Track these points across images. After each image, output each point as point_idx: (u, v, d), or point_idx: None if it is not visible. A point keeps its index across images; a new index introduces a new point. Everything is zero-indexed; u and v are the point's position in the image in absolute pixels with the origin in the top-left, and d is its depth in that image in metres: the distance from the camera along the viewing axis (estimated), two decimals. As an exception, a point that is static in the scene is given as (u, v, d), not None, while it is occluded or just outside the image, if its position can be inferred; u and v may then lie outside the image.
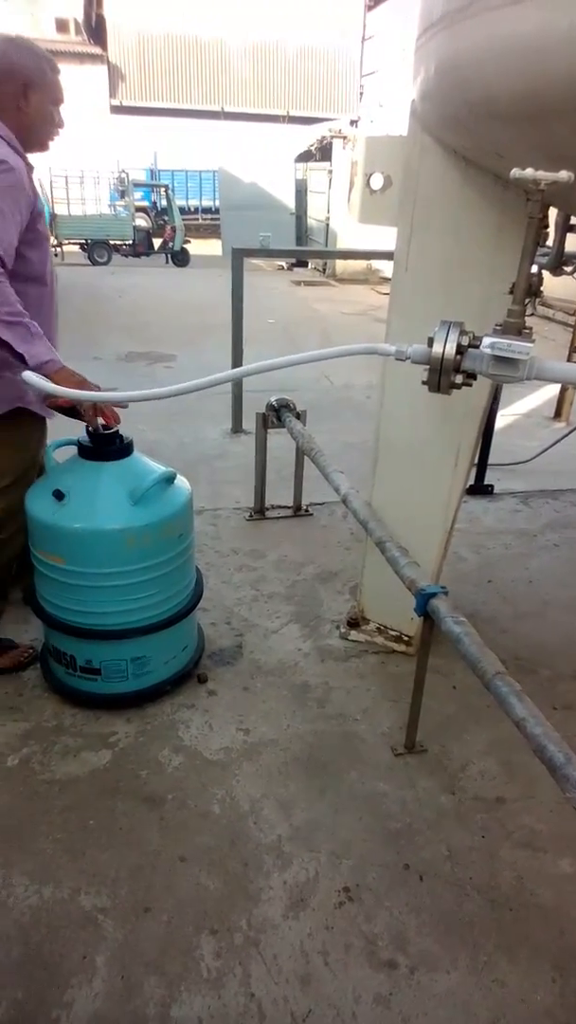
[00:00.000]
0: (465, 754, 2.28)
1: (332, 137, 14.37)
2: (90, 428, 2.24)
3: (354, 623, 2.84)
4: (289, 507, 3.88)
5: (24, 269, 2.11)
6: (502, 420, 4.88)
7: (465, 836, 1.98)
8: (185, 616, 2.45)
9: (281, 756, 2.25)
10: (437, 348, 1.67)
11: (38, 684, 2.52)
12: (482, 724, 2.38)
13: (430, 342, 1.69)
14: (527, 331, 1.63)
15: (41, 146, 2.25)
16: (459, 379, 1.71)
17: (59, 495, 2.16)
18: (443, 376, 1.69)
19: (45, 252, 2.26)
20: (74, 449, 2.31)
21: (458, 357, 1.66)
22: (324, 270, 14.77)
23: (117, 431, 2.29)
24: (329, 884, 1.84)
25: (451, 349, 1.66)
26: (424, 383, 1.73)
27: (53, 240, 14.74)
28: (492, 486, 4.21)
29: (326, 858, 1.91)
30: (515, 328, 1.61)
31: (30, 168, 2.17)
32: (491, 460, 4.20)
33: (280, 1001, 1.57)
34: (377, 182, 2.20)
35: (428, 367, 1.70)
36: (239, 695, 2.51)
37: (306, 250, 15.04)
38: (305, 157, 16.23)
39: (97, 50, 22.67)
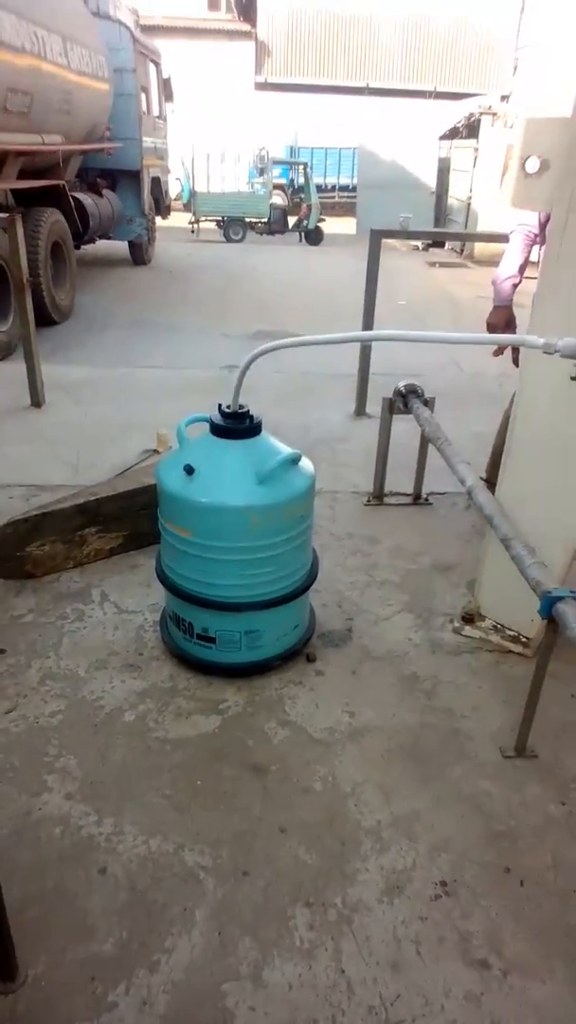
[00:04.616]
0: (578, 764, 2.20)
1: (481, 113, 13.86)
2: (223, 407, 2.31)
3: (469, 618, 2.79)
4: (409, 495, 3.84)
5: None
6: None
7: (573, 848, 1.92)
8: (299, 595, 2.49)
9: (385, 743, 2.25)
10: (590, 343, 1.60)
11: (157, 646, 2.64)
12: (598, 736, 2.29)
13: (581, 336, 1.62)
14: None
15: None
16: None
17: (189, 470, 2.24)
18: (593, 372, 1.61)
19: None
20: (206, 426, 2.38)
21: (612, 353, 1.59)
22: (462, 251, 14.35)
23: (247, 410, 2.35)
24: (426, 875, 1.84)
25: (605, 345, 1.58)
26: (574, 379, 1.66)
27: (191, 216, 15.14)
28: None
29: (424, 849, 1.91)
30: None
31: None
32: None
33: (369, 981, 1.59)
34: (533, 165, 2.11)
35: (577, 362, 1.63)
36: (346, 678, 2.53)
37: (447, 232, 14.67)
38: (450, 135, 15.74)
39: (246, 27, 22.82)
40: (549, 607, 1.86)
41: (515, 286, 3.28)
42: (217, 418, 2.34)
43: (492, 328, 3.36)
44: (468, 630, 2.77)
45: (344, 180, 22.14)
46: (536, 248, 3.12)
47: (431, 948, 1.67)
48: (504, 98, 18.15)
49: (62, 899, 1.74)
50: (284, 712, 2.36)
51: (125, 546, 3.20)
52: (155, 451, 4.20)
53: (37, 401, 4.95)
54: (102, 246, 11.06)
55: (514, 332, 3.25)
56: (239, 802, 2.03)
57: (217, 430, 2.34)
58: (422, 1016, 1.53)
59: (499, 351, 3.50)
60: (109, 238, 10.58)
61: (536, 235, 3.11)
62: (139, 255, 11.45)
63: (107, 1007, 1.52)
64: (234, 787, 2.07)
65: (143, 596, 2.92)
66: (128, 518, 3.15)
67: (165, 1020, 1.51)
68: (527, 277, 3.08)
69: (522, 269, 3.22)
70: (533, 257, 3.09)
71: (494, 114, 13.80)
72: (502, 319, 3.33)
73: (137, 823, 1.95)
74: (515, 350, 3.23)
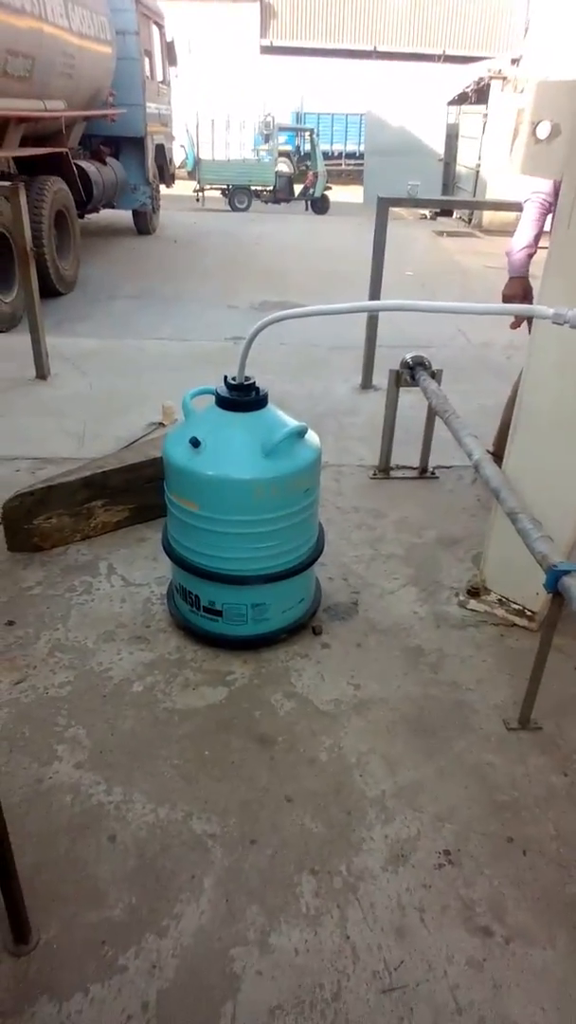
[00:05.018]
0: (581, 737, 2.22)
1: (491, 78, 13.52)
2: (228, 379, 2.29)
3: (474, 592, 2.79)
4: (415, 468, 3.83)
5: None
6: None
7: (575, 818, 1.94)
8: (305, 569, 2.50)
9: (390, 715, 2.27)
10: (601, 314, 1.57)
11: (164, 618, 2.66)
12: (602, 709, 2.30)
13: (593, 307, 1.59)
14: None
15: None
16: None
17: (195, 443, 2.24)
18: (603, 344, 1.59)
19: None
20: (211, 398, 2.37)
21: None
22: (470, 220, 14.14)
23: (253, 382, 2.33)
24: (430, 844, 1.86)
25: (617, 315, 1.56)
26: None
27: (195, 185, 14.91)
28: None
29: (429, 819, 1.93)
30: None
31: None
32: None
33: (374, 948, 1.62)
34: (544, 130, 2.06)
35: (587, 334, 1.61)
36: (352, 651, 2.55)
37: (455, 200, 14.42)
38: (459, 100, 15.40)
39: (252, -13, 22.29)
40: (555, 581, 1.86)
41: (530, 256, 3.23)
42: (223, 390, 2.33)
43: (508, 300, 3.31)
44: (473, 604, 2.77)
45: (351, 147, 21.75)
46: (550, 217, 3.06)
47: (435, 915, 1.70)
48: (515, 62, 17.66)
49: (73, 866, 1.78)
50: (290, 684, 2.38)
51: (132, 519, 3.21)
52: (161, 424, 4.19)
53: (42, 373, 4.93)
54: (106, 215, 10.93)
55: (530, 303, 3.20)
56: (246, 772, 2.05)
57: (223, 402, 2.33)
58: (425, 981, 1.56)
59: (516, 323, 3.45)
60: (113, 207, 10.44)
61: (551, 203, 3.05)
62: (144, 224, 11.31)
63: (118, 970, 1.56)
64: (241, 757, 2.10)
65: (150, 569, 2.93)
66: (134, 491, 3.15)
67: (174, 984, 1.54)
68: (542, 247, 3.04)
69: (537, 239, 3.17)
70: (548, 227, 3.04)
71: (504, 78, 13.45)
72: (519, 290, 3.28)
73: (146, 792, 1.98)
74: (531, 321, 3.20)
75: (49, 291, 7.06)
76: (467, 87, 14.98)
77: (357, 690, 2.37)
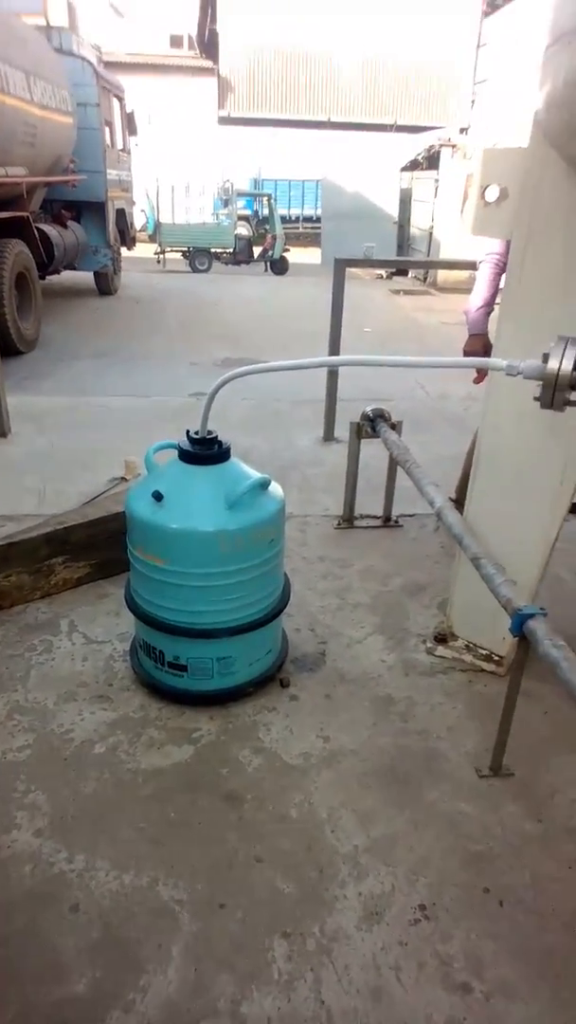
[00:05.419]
0: (554, 782, 2.20)
1: (441, 146, 14.23)
2: (191, 433, 2.31)
3: (441, 639, 2.80)
4: (379, 517, 3.86)
5: None
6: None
7: (551, 866, 1.92)
8: (271, 620, 2.48)
9: (361, 767, 2.24)
10: (553, 364, 1.64)
11: (127, 675, 2.60)
12: (574, 753, 2.29)
13: (545, 357, 1.65)
14: None
15: None
16: (575, 396, 1.66)
17: (158, 496, 2.23)
18: (557, 393, 1.65)
19: None
20: (174, 452, 2.38)
21: (575, 373, 1.62)
22: (425, 279, 14.64)
23: (216, 436, 2.35)
24: (405, 900, 1.81)
25: (568, 365, 1.62)
26: (536, 399, 1.69)
27: (156, 247, 15.25)
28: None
29: (403, 873, 1.89)
30: None
31: None
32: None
33: (350, 1012, 1.56)
34: (493, 194, 2.17)
35: (541, 383, 1.67)
36: (320, 702, 2.52)
37: (410, 260, 14.94)
38: (411, 166, 16.13)
39: (208, 63, 23.27)
40: (520, 625, 1.87)
41: (488, 314, 3.35)
42: (185, 444, 2.34)
43: (469, 355, 3.42)
44: (441, 650, 2.77)
45: (308, 211, 22.52)
46: (505, 276, 3.19)
47: (412, 974, 1.64)
48: (463, 131, 18.67)
49: (33, 939, 1.69)
50: (258, 739, 2.33)
51: (93, 575, 3.16)
52: (123, 479, 4.18)
53: (3, 431, 4.90)
54: (68, 276, 11.06)
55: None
56: (214, 833, 1.99)
57: (186, 456, 2.34)
58: (404, 1045, 1.50)
59: (479, 378, 3.55)
60: (75, 268, 10.60)
61: (504, 263, 3.18)
62: (105, 285, 11.49)
63: (80, 1052, 1.47)
64: (208, 817, 2.04)
65: (112, 625, 2.88)
66: (96, 547, 3.12)
67: (141, 1062, 1.46)
68: (499, 304, 3.16)
69: (493, 297, 3.29)
70: (503, 284, 3.17)
71: (453, 146, 14.16)
72: (478, 346, 3.39)
73: (109, 858, 1.90)
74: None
75: (10, 350, 7.09)
76: (419, 154, 15.73)
77: (327, 742, 2.33)
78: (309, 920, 1.76)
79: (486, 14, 21.78)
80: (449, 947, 1.70)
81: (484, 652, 2.71)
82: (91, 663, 2.67)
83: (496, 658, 2.67)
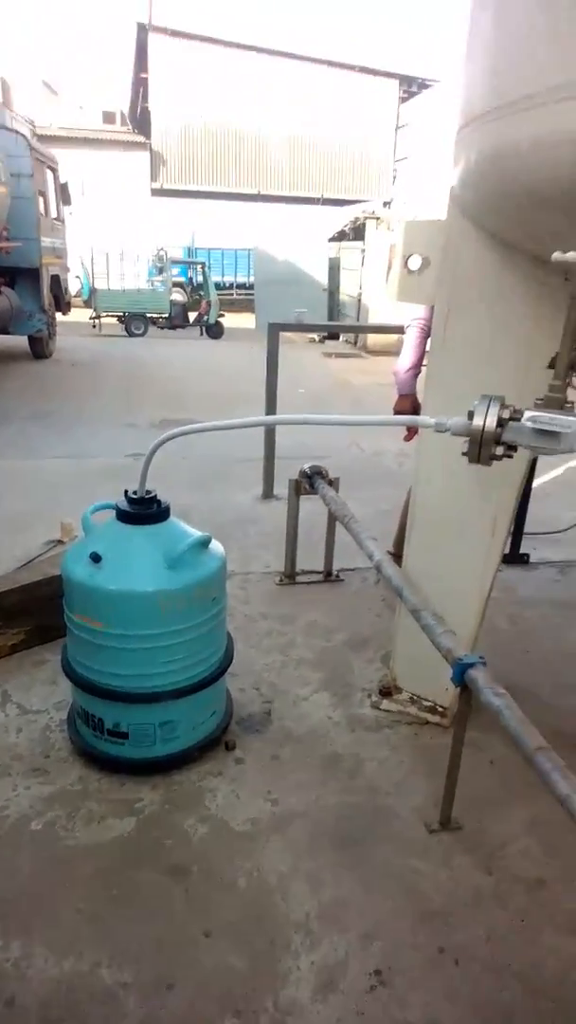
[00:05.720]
0: (503, 832, 2.19)
1: (365, 218, 14.93)
2: (129, 492, 2.29)
3: (386, 692, 2.79)
4: (320, 572, 3.88)
5: None
6: (539, 488, 4.86)
7: (504, 919, 1.89)
8: (215, 680, 2.44)
9: (310, 829, 2.19)
10: (478, 421, 1.71)
11: (64, 746, 2.50)
12: (522, 801, 2.30)
13: (470, 415, 1.73)
14: (569, 405, 1.67)
15: None
16: (500, 451, 1.74)
17: (96, 558, 2.20)
18: (483, 448, 1.72)
19: None
20: (111, 513, 2.36)
21: (499, 430, 1.70)
22: (355, 343, 15.13)
23: (155, 495, 2.34)
24: (360, 966, 1.76)
25: (492, 422, 1.69)
26: (464, 454, 1.76)
27: (92, 312, 15.37)
28: (528, 555, 4.18)
29: (356, 938, 1.83)
30: (557, 403, 1.67)
31: None
32: (527, 528, 4.18)
33: None
34: (415, 263, 2.28)
35: (468, 439, 1.73)
36: (267, 764, 2.47)
37: (340, 324, 15.43)
38: (339, 236, 16.85)
39: (140, 138, 24.05)
40: (461, 674, 1.89)
41: (415, 375, 3.49)
42: (123, 504, 2.32)
43: (399, 414, 3.54)
44: (386, 704, 2.77)
45: (241, 278, 23.14)
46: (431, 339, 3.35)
47: (370, 1047, 1.58)
48: (386, 204, 19.69)
49: (-37, 1041, 1.56)
50: (204, 807, 2.26)
51: (28, 641, 3.06)
52: (59, 541, 4.10)
53: None
54: (1, 341, 11.01)
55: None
56: (159, 908, 1.90)
57: (124, 516, 2.31)
58: None
59: (409, 435, 3.67)
60: (9, 332, 10.58)
61: (430, 327, 3.34)
62: (40, 349, 11.47)
63: None
64: (153, 893, 1.95)
65: (48, 694, 2.78)
66: (31, 612, 3.03)
67: None
68: (426, 365, 3.29)
69: (420, 359, 3.44)
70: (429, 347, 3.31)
71: (377, 218, 14.89)
72: (407, 406, 3.53)
73: (48, 943, 1.79)
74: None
75: None
76: (345, 226, 16.47)
77: (275, 806, 2.28)
78: (262, 994, 1.68)
79: (403, 99, 23.39)
80: (408, 1013, 1.65)
81: (428, 704, 2.71)
82: (26, 734, 2.56)
83: (440, 709, 2.68)
